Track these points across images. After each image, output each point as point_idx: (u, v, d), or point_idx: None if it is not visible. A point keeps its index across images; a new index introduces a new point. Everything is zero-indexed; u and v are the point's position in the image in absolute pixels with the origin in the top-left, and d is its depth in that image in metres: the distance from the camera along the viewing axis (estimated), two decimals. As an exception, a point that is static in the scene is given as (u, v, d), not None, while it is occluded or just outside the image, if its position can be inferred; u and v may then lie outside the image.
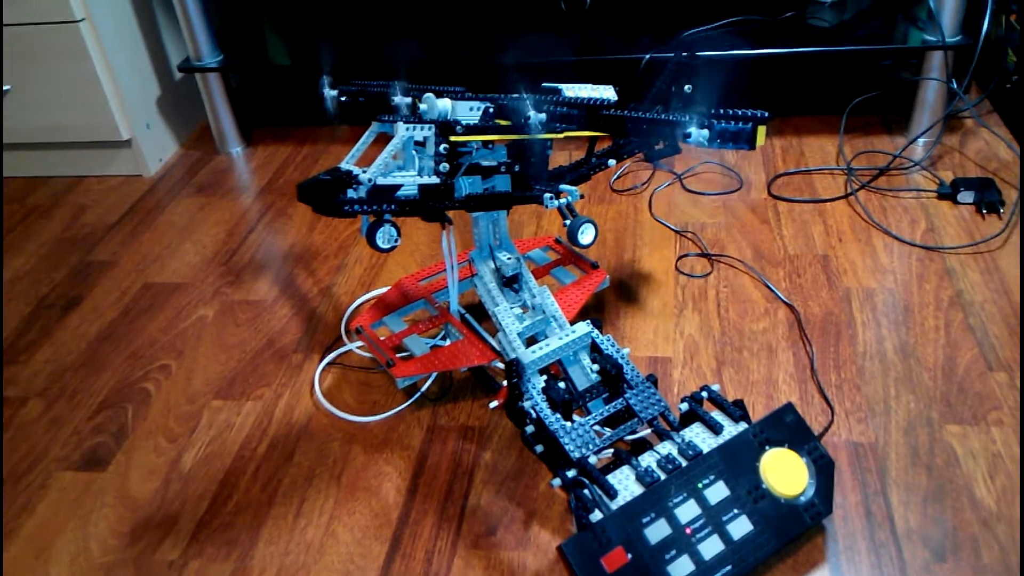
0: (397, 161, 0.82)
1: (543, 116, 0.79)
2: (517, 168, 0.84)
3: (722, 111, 0.68)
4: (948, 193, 1.19)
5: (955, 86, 1.27)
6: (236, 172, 1.47)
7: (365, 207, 0.77)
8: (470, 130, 0.79)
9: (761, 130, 0.66)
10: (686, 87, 0.91)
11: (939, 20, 1.24)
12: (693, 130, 0.68)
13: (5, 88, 1.40)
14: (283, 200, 1.37)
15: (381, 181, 0.77)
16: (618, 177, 1.33)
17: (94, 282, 1.22)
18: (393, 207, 0.78)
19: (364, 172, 0.76)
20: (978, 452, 0.83)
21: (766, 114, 0.66)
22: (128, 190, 1.45)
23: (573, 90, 0.86)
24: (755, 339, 0.99)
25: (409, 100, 0.87)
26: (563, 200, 0.83)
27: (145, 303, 1.17)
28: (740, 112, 0.67)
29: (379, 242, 0.78)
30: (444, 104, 0.81)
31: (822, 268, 1.09)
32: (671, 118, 0.70)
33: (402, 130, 0.78)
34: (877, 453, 0.84)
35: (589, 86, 0.87)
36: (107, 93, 1.40)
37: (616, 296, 1.08)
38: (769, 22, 1.37)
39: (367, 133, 0.82)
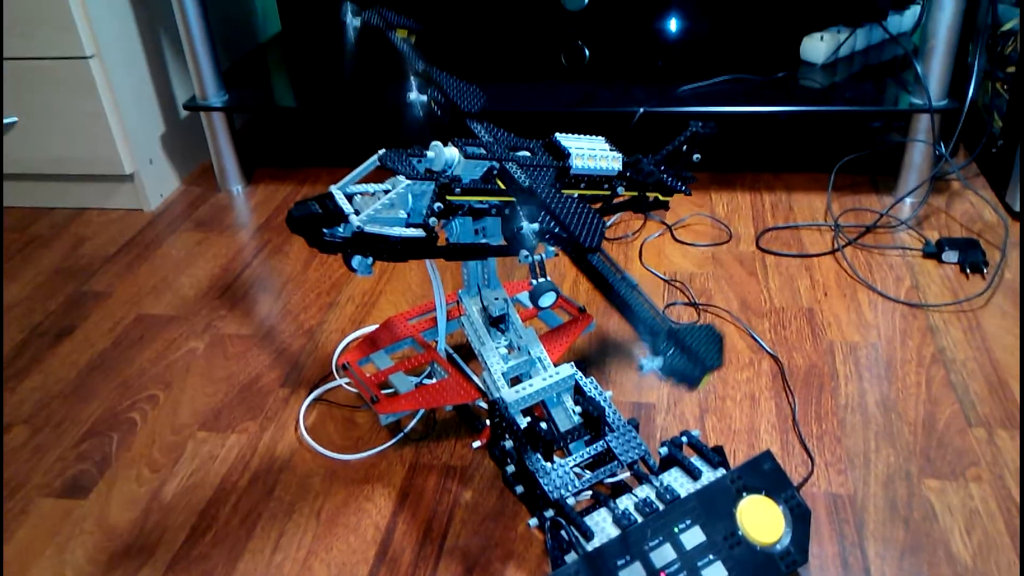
0: (384, 186, 0.83)
1: (536, 227, 0.78)
2: (507, 212, 0.85)
3: (683, 342, 0.68)
4: (933, 252, 1.21)
5: (942, 149, 1.30)
6: (235, 209, 1.50)
7: (347, 250, 0.78)
8: (468, 192, 0.80)
9: (706, 378, 0.68)
10: (695, 155, 0.93)
11: (926, 84, 1.27)
12: (645, 363, 0.69)
13: (13, 120, 1.43)
14: (279, 237, 1.39)
15: (369, 229, 0.78)
16: (609, 225, 1.35)
17: (88, 312, 1.23)
18: (373, 252, 0.79)
19: (355, 214, 0.77)
20: (956, 507, 0.84)
21: (716, 365, 0.68)
22: (128, 223, 1.48)
23: (581, 158, 0.84)
24: (738, 388, 1.00)
25: (419, 82, 0.87)
26: (537, 256, 0.83)
27: (137, 334, 1.18)
28: (696, 352, 0.68)
29: (355, 266, 0.80)
30: (451, 154, 0.81)
31: (807, 321, 1.11)
32: (645, 323, 0.71)
33: (402, 187, 0.78)
34: (855, 505, 0.85)
35: (600, 148, 0.86)
36: (112, 128, 1.43)
37: (603, 342, 1.09)
38: (762, 81, 1.40)
39: (366, 164, 0.83)
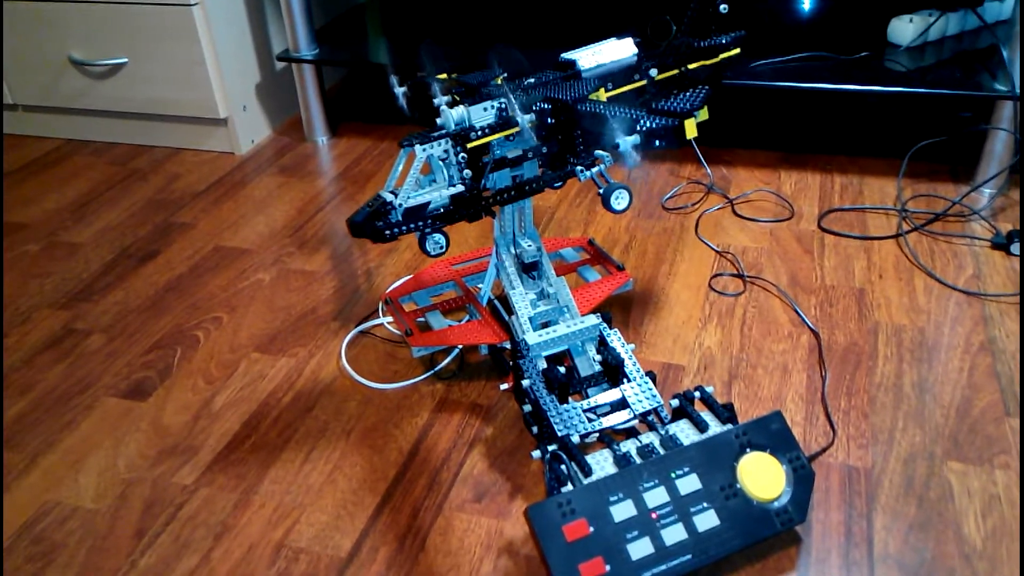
0: (428, 175, 0.87)
1: (531, 116, 0.83)
2: (545, 151, 0.87)
3: (657, 108, 0.66)
4: (1002, 243, 1.16)
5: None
6: (318, 158, 1.57)
7: (404, 228, 0.83)
8: (485, 132, 0.84)
9: (690, 123, 0.63)
10: (721, 7, 0.91)
11: (1011, 70, 1.22)
12: (621, 141, 0.66)
13: (123, 60, 1.54)
14: (354, 187, 1.45)
15: (410, 203, 0.82)
16: (671, 196, 1.36)
17: (172, 240, 1.33)
18: (428, 221, 0.84)
19: (396, 197, 0.82)
20: (975, 491, 0.82)
21: (694, 109, 0.62)
22: (219, 164, 1.57)
23: (586, 58, 0.87)
24: (772, 359, 1.00)
25: (448, 99, 0.92)
26: (595, 169, 0.84)
27: (212, 263, 1.26)
28: (672, 108, 0.64)
29: (428, 249, 0.85)
30: (459, 112, 0.85)
31: (856, 300, 1.09)
32: (620, 118, 0.71)
33: (419, 152, 0.82)
34: (871, 479, 0.84)
35: (610, 43, 0.89)
36: (211, 74, 1.52)
37: (644, 303, 1.11)
38: (841, 59, 1.37)
39: (398, 158, 0.88)
